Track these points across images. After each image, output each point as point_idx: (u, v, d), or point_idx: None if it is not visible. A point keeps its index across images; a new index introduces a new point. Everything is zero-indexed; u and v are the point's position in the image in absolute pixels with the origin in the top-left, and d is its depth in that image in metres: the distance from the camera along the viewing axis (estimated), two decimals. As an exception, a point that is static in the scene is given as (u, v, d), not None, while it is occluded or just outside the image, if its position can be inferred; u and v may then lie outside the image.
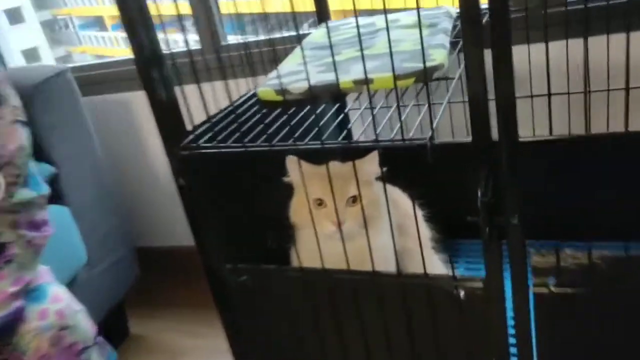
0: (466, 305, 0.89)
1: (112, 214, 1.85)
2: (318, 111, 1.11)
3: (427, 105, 0.82)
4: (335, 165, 1.15)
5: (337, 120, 1.15)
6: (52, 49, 4.75)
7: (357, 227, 1.07)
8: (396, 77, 0.88)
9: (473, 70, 0.72)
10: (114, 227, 1.85)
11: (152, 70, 0.91)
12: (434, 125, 0.81)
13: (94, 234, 1.74)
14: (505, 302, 0.86)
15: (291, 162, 1.11)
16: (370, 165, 1.12)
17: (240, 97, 1.20)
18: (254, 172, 1.12)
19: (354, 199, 1.09)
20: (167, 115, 0.96)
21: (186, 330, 1.93)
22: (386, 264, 1.12)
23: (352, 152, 1.04)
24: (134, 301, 2.00)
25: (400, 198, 1.31)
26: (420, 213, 1.31)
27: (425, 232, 1.31)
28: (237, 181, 1.14)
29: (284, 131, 0.98)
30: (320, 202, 1.10)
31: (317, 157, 1.10)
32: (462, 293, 0.88)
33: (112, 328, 1.81)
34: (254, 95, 1.17)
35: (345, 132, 1.00)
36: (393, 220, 1.07)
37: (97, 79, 2.07)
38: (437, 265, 1.34)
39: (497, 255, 0.82)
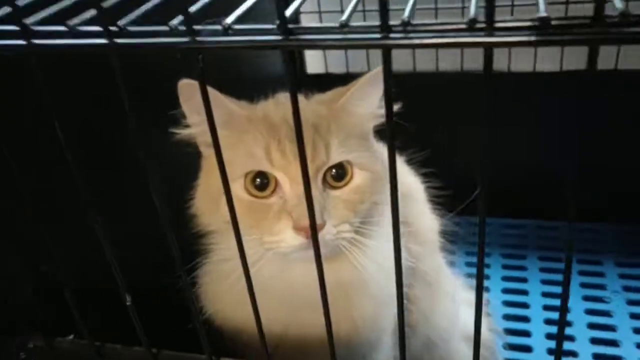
0: None
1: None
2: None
3: None
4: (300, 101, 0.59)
5: None
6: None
7: (348, 234, 0.54)
8: None
9: None
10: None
11: None
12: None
13: None
14: None
15: (189, 89, 0.52)
16: (366, 99, 0.57)
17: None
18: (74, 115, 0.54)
19: (339, 173, 0.55)
20: None
21: None
22: (380, 308, 0.61)
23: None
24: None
25: (405, 173, 0.77)
26: (424, 194, 0.78)
27: (432, 224, 0.78)
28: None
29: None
30: (263, 182, 0.54)
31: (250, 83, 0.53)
32: None
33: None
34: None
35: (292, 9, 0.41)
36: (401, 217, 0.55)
37: None
38: (445, 281, 0.83)
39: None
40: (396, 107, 0.58)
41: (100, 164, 0.60)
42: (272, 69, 1.05)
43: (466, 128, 1.00)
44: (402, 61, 1.13)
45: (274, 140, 0.53)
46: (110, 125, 0.53)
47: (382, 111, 0.57)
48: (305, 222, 0.49)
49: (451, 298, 0.83)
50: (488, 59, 0.31)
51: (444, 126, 1.11)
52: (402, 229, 0.65)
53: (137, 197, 0.47)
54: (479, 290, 0.40)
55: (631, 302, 1.02)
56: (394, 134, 0.36)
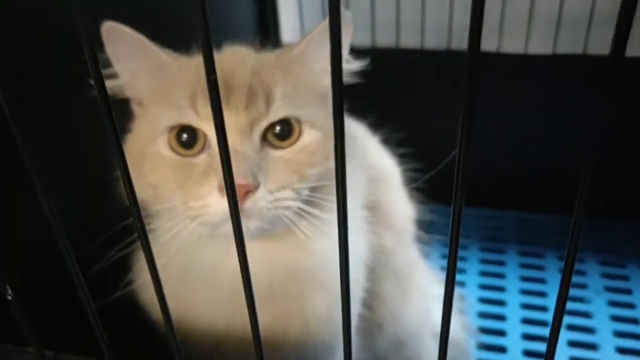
0: None
1: None
2: None
3: None
4: (239, 53, 0.51)
5: None
6: None
7: (292, 203, 0.45)
8: None
9: None
10: None
11: None
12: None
13: None
14: None
15: (114, 33, 0.45)
16: (324, 49, 0.49)
17: None
18: None
19: (283, 130, 0.47)
20: None
21: None
22: (338, 304, 0.52)
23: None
24: None
25: (371, 146, 0.70)
26: (399, 178, 0.71)
27: (407, 212, 0.71)
28: None
29: None
30: (190, 138, 0.46)
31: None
32: None
33: None
34: None
35: None
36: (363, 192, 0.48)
37: None
38: (418, 275, 0.76)
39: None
40: (358, 65, 0.51)
41: None
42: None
43: (448, 109, 0.93)
44: (386, 37, 1.05)
45: (201, 88, 0.45)
46: None
47: (347, 65, 0.50)
48: (236, 180, 0.40)
49: (423, 293, 0.76)
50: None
51: (424, 106, 1.04)
52: (371, 215, 0.59)
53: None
54: (449, 284, 0.33)
55: (613, 304, 0.96)
56: (342, 89, 0.27)
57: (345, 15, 0.47)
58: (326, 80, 0.50)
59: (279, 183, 0.45)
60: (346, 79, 0.50)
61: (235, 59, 0.49)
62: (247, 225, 0.43)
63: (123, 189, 0.50)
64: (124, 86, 0.49)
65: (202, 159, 0.45)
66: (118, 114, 0.33)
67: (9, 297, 0.35)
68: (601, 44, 0.98)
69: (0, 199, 0.50)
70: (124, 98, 0.50)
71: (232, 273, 0.49)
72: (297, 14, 1.06)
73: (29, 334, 0.36)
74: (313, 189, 0.47)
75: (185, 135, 0.46)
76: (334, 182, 0.47)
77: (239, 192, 0.40)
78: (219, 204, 0.43)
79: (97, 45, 0.43)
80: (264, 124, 0.45)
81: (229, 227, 0.43)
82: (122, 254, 0.48)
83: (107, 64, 0.47)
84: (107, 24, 0.44)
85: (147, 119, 0.49)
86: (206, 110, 0.44)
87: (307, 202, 0.47)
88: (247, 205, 0.42)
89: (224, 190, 0.41)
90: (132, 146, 0.49)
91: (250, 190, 0.42)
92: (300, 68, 0.49)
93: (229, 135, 0.42)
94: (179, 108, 0.45)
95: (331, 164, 0.47)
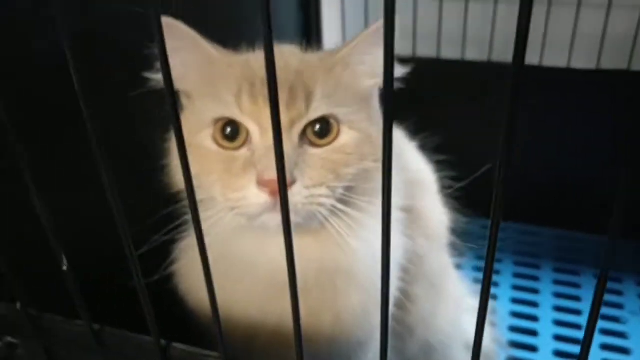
0: None
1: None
2: None
3: None
4: (285, 53, 0.53)
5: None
6: None
7: (326, 200, 0.46)
8: None
9: None
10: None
11: None
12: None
13: None
14: None
15: (171, 28, 0.47)
16: (369, 54, 0.50)
17: None
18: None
19: (322, 129, 0.48)
20: None
21: None
22: (372, 302, 0.54)
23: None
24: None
25: (409, 151, 0.70)
26: (435, 185, 0.71)
27: (442, 218, 0.71)
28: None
29: None
30: (234, 132, 0.48)
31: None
32: None
33: None
34: None
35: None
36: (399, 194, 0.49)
37: None
38: (451, 283, 0.76)
39: None
40: (403, 71, 0.52)
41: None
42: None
43: (487, 120, 0.93)
44: (427, 47, 1.06)
45: (247, 84, 0.47)
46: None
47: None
48: (270, 175, 0.42)
49: (455, 302, 0.76)
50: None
51: (463, 116, 1.04)
52: (404, 215, 0.59)
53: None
54: (484, 294, 0.33)
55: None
56: (393, 93, 0.29)
57: (379, 28, 0.48)
58: (368, 83, 0.51)
59: (315, 180, 0.46)
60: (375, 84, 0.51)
61: (281, 58, 0.51)
62: (280, 219, 0.44)
63: (168, 177, 0.52)
64: (175, 79, 0.51)
65: (243, 153, 0.47)
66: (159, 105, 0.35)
67: (65, 268, 0.37)
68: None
69: (64, 174, 0.52)
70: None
71: (268, 265, 0.51)
72: (339, 21, 1.08)
73: (80, 306, 0.38)
74: (347, 189, 0.48)
75: (229, 129, 0.47)
76: (368, 183, 0.49)
77: (273, 187, 0.43)
78: (256, 196, 0.44)
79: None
80: (303, 122, 0.47)
81: (264, 219, 0.45)
82: (165, 239, 0.50)
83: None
84: (165, 20, 0.46)
85: (194, 111, 0.51)
86: (249, 107, 0.46)
87: (341, 201, 0.48)
88: (289, 196, 0.44)
89: (260, 184, 0.43)
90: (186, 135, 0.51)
91: (288, 185, 0.43)
92: (343, 70, 0.50)
93: (268, 133, 0.45)
94: (224, 102, 0.47)
95: (366, 164, 0.48)
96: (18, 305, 0.42)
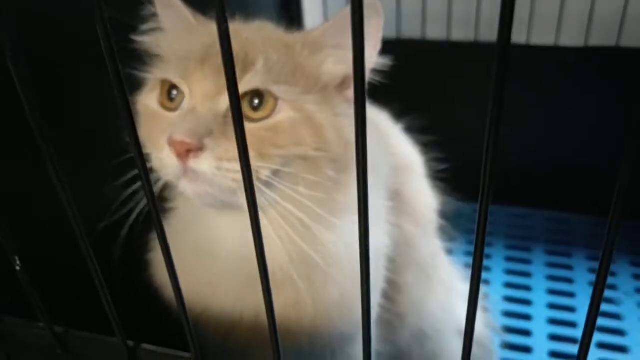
0: None
1: None
2: None
3: None
4: (247, 27, 0.51)
5: None
6: None
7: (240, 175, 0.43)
8: None
9: None
10: None
11: None
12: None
13: None
14: None
15: None
16: (339, 35, 0.47)
17: None
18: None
19: (257, 103, 0.45)
20: None
21: None
22: (352, 294, 0.51)
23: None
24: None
25: (394, 135, 0.68)
26: (423, 168, 0.69)
27: (430, 201, 0.69)
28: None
29: None
30: (175, 95, 0.47)
31: None
32: None
33: None
34: None
35: None
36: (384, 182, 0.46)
37: None
38: (442, 268, 0.74)
39: None
40: (383, 62, 0.49)
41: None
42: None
43: (474, 101, 0.91)
44: (412, 28, 1.03)
45: (195, 51, 0.46)
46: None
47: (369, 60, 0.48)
48: (178, 137, 0.41)
49: (447, 287, 0.74)
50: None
51: (450, 98, 1.02)
52: (391, 204, 0.57)
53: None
54: (474, 279, 0.31)
55: (644, 306, 0.93)
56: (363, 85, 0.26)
57: (374, 5, 0.45)
58: (333, 69, 0.48)
59: (231, 153, 0.43)
60: (368, 75, 0.48)
61: (236, 29, 0.48)
62: (196, 190, 0.44)
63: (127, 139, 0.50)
64: (157, 42, 0.51)
65: (175, 115, 0.46)
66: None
67: (17, 267, 0.34)
68: (635, 38, 0.95)
69: (14, 174, 0.50)
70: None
71: (231, 253, 0.49)
72: (320, 1, 1.05)
73: (39, 308, 0.35)
74: (277, 173, 0.45)
75: (174, 92, 0.47)
76: (313, 175, 0.46)
77: (178, 149, 0.41)
78: (168, 157, 0.43)
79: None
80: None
81: (181, 186, 0.44)
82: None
83: (147, 19, 0.50)
84: None
85: (153, 72, 0.51)
86: (185, 71, 0.45)
87: (267, 185, 0.45)
88: (191, 165, 0.42)
89: (170, 144, 0.41)
90: (139, 100, 0.50)
91: (192, 150, 0.41)
92: (304, 49, 0.47)
93: (194, 97, 0.44)
94: (171, 66, 0.47)
95: (304, 150, 0.45)
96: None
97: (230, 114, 0.43)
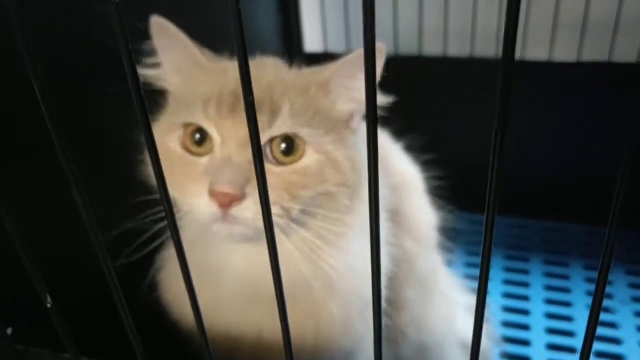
0: None
1: None
2: None
3: None
4: (263, 66, 0.52)
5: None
6: None
7: (279, 219, 0.46)
8: None
9: None
10: None
11: None
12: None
13: None
14: None
15: (160, 27, 0.49)
16: (351, 79, 0.50)
17: None
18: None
19: (287, 147, 0.48)
20: None
21: None
22: (353, 312, 0.54)
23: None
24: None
25: (394, 154, 0.70)
26: (422, 185, 0.71)
27: (429, 219, 0.71)
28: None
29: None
30: (202, 139, 0.48)
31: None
32: None
33: None
34: None
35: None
36: (383, 203, 0.48)
37: None
38: (441, 281, 0.76)
39: None
40: (386, 100, 0.51)
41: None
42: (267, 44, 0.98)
43: (471, 116, 0.93)
44: (408, 44, 1.06)
45: (216, 93, 0.47)
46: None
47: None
48: (221, 188, 0.43)
49: (447, 300, 0.76)
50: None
51: (447, 113, 1.04)
52: (393, 223, 0.59)
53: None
54: (481, 293, 0.33)
55: None
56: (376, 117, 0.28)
57: (380, 49, 0.47)
58: (344, 107, 0.51)
59: (271, 198, 0.45)
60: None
61: (255, 70, 0.50)
62: (230, 230, 0.45)
63: (144, 174, 0.52)
64: (162, 76, 0.52)
65: (204, 160, 0.47)
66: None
67: (49, 305, 0.36)
68: (627, 52, 0.97)
69: (34, 204, 0.52)
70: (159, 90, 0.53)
71: (236, 275, 0.51)
72: (319, 24, 1.07)
73: (67, 340, 0.37)
74: (305, 211, 0.48)
75: (197, 136, 0.48)
76: (333, 204, 0.48)
77: (222, 200, 0.43)
78: (207, 206, 0.44)
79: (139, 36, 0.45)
80: (264, 138, 0.46)
81: (215, 228, 0.46)
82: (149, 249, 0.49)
83: (150, 53, 0.50)
84: (155, 18, 0.48)
85: (169, 112, 0.52)
86: (213, 116, 0.46)
87: (296, 222, 0.47)
88: (233, 212, 0.44)
89: (211, 194, 0.43)
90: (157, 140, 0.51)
91: (235, 200, 0.44)
92: (318, 92, 0.50)
93: (227, 145, 0.45)
94: (194, 108, 0.47)
95: (326, 187, 0.48)
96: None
97: (267, 159, 0.46)
